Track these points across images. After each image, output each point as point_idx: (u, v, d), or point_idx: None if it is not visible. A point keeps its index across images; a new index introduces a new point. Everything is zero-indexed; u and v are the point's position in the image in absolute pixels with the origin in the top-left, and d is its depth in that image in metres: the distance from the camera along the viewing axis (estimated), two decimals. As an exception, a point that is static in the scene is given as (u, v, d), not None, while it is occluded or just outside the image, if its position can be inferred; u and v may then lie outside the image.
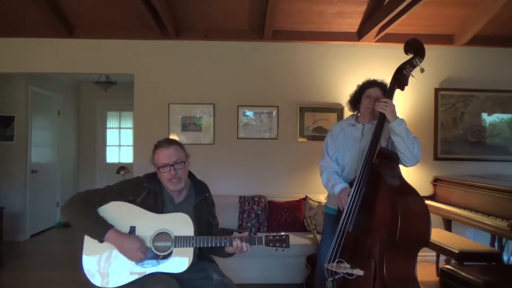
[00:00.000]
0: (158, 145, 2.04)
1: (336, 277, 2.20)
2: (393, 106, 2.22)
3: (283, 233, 1.96)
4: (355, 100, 2.53)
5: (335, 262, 2.18)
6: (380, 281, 2.04)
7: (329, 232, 2.43)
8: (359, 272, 2.10)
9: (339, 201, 2.30)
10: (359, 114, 2.53)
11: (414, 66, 2.25)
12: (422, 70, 2.22)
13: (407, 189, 2.13)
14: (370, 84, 2.46)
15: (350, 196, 2.21)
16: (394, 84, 2.30)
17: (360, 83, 2.54)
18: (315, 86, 4.41)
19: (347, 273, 2.14)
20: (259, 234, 3.76)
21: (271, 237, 1.95)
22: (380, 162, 2.23)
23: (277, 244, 1.94)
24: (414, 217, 2.03)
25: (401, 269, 2.06)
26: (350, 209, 2.19)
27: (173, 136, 4.37)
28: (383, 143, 2.35)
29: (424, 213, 2.05)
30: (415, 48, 2.26)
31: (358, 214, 2.18)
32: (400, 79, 2.27)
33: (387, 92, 2.33)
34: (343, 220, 2.21)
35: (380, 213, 2.12)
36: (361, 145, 2.43)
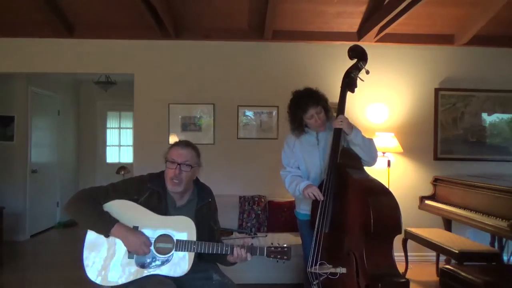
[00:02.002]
0: (176, 143, 2.06)
1: (320, 279, 2.23)
2: (347, 119, 2.36)
3: (285, 245, 1.95)
4: (299, 126, 2.51)
5: (317, 264, 2.22)
6: (362, 274, 2.10)
7: (307, 236, 2.47)
8: (341, 270, 2.17)
9: (309, 194, 2.33)
10: (309, 129, 2.55)
11: (359, 69, 2.46)
12: (367, 72, 2.45)
13: (374, 183, 2.29)
14: (303, 108, 2.44)
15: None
16: (345, 87, 2.46)
17: (290, 107, 2.53)
18: (315, 86, 4.36)
19: (330, 273, 2.19)
20: (259, 234, 3.75)
21: (272, 248, 1.94)
22: (344, 161, 2.35)
23: (278, 256, 1.93)
24: (384, 207, 2.16)
25: (381, 258, 2.15)
26: (323, 210, 2.27)
27: (173, 136, 4.37)
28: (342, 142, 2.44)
29: (392, 202, 2.18)
30: (357, 53, 2.48)
31: (332, 214, 2.27)
32: (349, 82, 2.47)
33: (339, 97, 2.44)
34: (318, 222, 2.28)
35: (352, 209, 2.23)
36: (319, 149, 2.51)
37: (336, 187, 2.29)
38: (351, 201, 2.23)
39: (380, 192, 2.23)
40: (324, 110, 2.46)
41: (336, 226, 2.27)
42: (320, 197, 2.28)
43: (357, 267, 2.13)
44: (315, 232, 2.28)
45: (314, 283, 2.25)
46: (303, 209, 2.59)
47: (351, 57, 2.47)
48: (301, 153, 2.56)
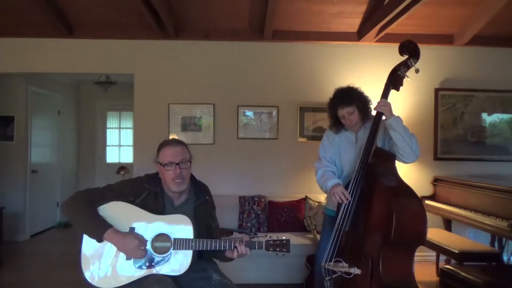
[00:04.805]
0: (164, 144, 2.03)
1: (333, 276, 2.21)
2: (390, 105, 2.27)
3: (283, 238, 1.94)
4: (336, 123, 2.51)
5: (332, 261, 2.20)
6: (376, 279, 2.05)
7: (327, 232, 2.44)
8: (356, 271, 2.12)
9: (333, 195, 2.29)
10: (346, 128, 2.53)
11: (409, 67, 2.30)
12: (417, 71, 2.29)
13: (402, 188, 2.16)
14: (334, 107, 2.44)
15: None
16: (389, 85, 2.33)
17: (328, 104, 2.51)
18: (315, 86, 4.41)
19: (345, 272, 2.16)
20: (259, 234, 3.76)
21: (271, 241, 1.93)
22: (375, 162, 2.26)
23: (277, 249, 1.92)
24: (408, 215, 2.05)
25: (398, 267, 2.07)
26: (347, 209, 2.22)
27: (173, 136, 4.37)
28: (378, 144, 2.37)
29: (419, 211, 2.07)
30: (409, 49, 2.31)
31: (355, 213, 2.21)
32: (395, 80, 2.32)
33: (382, 92, 2.34)
34: (339, 219, 2.23)
35: (375, 212, 2.14)
36: (356, 147, 2.46)
37: (363, 186, 2.22)
38: (376, 203, 2.15)
39: (407, 198, 2.10)
40: (359, 111, 2.38)
41: (357, 226, 2.20)
42: (345, 198, 2.22)
43: (372, 271, 2.07)
44: (335, 228, 2.24)
45: (327, 278, 2.24)
46: (330, 205, 2.54)
47: (401, 53, 2.33)
48: (339, 148, 2.52)
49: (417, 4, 3.40)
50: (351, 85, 2.48)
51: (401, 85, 2.33)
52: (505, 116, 4.57)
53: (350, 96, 2.39)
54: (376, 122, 2.28)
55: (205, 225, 2.08)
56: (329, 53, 4.45)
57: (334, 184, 2.33)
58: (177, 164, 1.94)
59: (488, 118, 4.55)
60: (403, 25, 3.96)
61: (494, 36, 4.31)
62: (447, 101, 4.49)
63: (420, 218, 2.05)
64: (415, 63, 2.29)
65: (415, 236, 2.06)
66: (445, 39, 4.38)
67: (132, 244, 1.83)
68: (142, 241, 1.86)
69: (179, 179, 1.95)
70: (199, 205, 2.07)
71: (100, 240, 1.84)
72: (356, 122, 2.42)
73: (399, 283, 2.06)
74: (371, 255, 2.09)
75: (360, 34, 4.27)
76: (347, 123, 2.43)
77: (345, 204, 2.24)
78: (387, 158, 2.29)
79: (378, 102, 2.28)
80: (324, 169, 2.51)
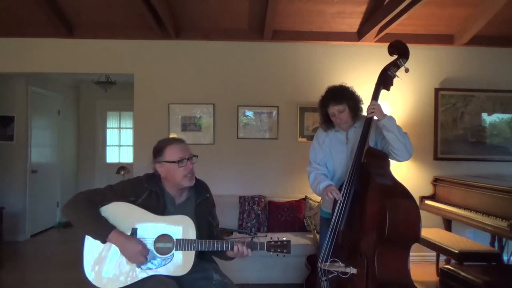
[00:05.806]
0: (168, 143, 2.01)
1: (329, 276, 2.21)
2: (379, 106, 2.28)
3: (284, 239, 1.95)
4: (326, 121, 2.51)
5: (329, 261, 2.20)
6: (372, 278, 2.06)
7: (324, 233, 2.44)
8: (352, 270, 2.13)
9: (327, 194, 2.28)
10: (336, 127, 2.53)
11: (398, 67, 2.33)
12: (406, 70, 2.31)
13: (395, 186, 2.18)
14: (325, 104, 2.45)
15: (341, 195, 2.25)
16: (379, 84, 2.36)
17: (319, 102, 2.53)
18: (315, 86, 4.38)
19: (341, 272, 2.16)
20: (259, 234, 3.75)
21: (272, 242, 1.94)
22: (368, 161, 2.27)
23: (278, 250, 1.93)
24: (402, 213, 2.06)
25: (393, 265, 2.08)
26: (341, 209, 2.23)
27: (173, 136, 4.37)
28: (370, 143, 2.37)
29: (412, 209, 2.08)
30: (399, 49, 2.34)
31: (349, 213, 2.22)
32: (385, 80, 2.35)
33: (373, 92, 2.36)
34: (334, 219, 2.24)
35: (369, 211, 2.15)
36: (347, 147, 2.46)
37: (357, 186, 2.22)
38: (370, 201, 2.16)
39: (400, 197, 2.12)
40: (350, 109, 2.39)
41: (352, 225, 2.21)
42: (339, 197, 2.23)
43: (367, 270, 2.08)
44: (330, 228, 2.24)
45: (323, 279, 2.24)
46: (326, 207, 2.54)
47: (391, 53, 2.35)
48: (330, 150, 2.52)
49: (417, 4, 3.40)
50: (343, 84, 2.48)
51: (391, 84, 2.36)
52: (505, 116, 4.57)
53: (342, 94, 2.40)
54: (367, 123, 2.29)
55: (206, 223, 2.08)
56: (329, 53, 4.45)
57: (327, 185, 2.34)
58: (187, 159, 1.95)
59: (488, 118, 4.55)
60: (403, 25, 3.96)
61: (494, 36, 4.31)
62: (447, 101, 4.49)
63: (414, 216, 2.07)
64: (404, 62, 2.31)
65: (409, 234, 2.07)
66: (445, 39, 4.38)
67: (134, 249, 1.82)
68: (144, 247, 1.85)
69: (190, 174, 1.96)
70: (200, 203, 2.07)
71: (104, 241, 1.84)
72: (346, 121, 2.42)
73: (395, 281, 2.06)
74: (367, 254, 2.10)
75: (360, 34, 4.27)
76: (337, 122, 2.43)
77: (340, 204, 2.24)
78: (380, 157, 2.31)
79: (368, 107, 2.29)
80: (316, 173, 2.51)
